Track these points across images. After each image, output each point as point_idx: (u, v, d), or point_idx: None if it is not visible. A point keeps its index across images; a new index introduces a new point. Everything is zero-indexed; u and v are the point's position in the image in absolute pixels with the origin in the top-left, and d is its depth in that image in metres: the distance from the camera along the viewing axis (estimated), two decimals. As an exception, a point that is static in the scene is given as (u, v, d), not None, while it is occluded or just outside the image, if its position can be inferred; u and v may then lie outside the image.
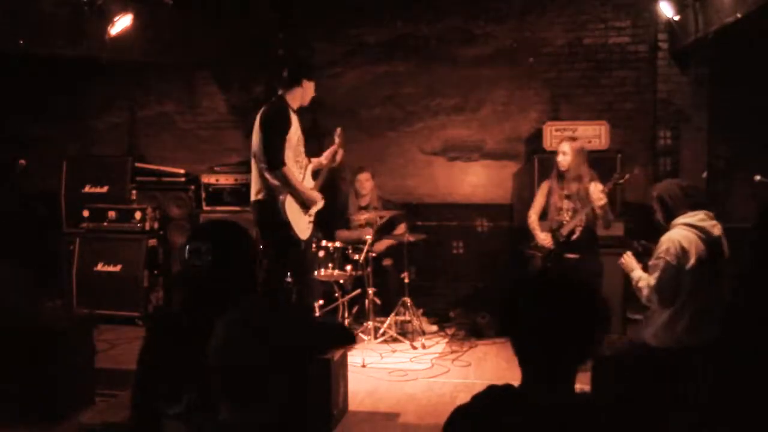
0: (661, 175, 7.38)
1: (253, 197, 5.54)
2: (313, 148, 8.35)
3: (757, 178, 5.91)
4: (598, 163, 6.23)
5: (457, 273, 7.95)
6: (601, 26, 7.57)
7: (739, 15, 5.20)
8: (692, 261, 3.99)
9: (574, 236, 5.83)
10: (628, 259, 4.41)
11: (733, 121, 7.09)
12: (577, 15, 7.60)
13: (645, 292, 4.15)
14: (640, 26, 7.48)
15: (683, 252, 4.00)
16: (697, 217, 4.08)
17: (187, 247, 2.29)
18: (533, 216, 6.14)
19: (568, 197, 5.87)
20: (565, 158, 5.82)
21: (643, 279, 4.20)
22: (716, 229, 4.09)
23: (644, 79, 7.50)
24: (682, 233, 4.05)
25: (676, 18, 6.69)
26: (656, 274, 4.07)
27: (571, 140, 6.00)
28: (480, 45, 7.85)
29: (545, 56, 7.71)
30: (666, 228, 4.21)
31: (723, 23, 5.56)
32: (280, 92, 5.55)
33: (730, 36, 6.02)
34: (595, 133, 7.02)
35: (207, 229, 2.39)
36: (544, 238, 5.98)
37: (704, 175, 6.96)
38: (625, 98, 7.57)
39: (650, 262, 4.18)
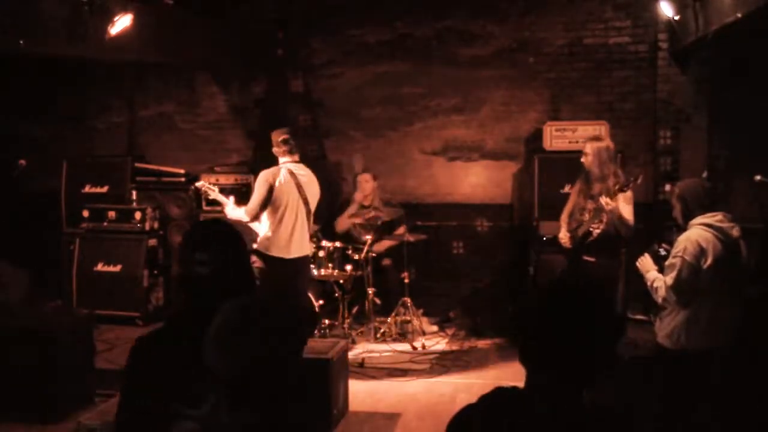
0: (661, 175, 7.38)
1: (308, 251, 5.67)
2: (313, 149, 8.39)
3: (757, 178, 5.90)
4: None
5: (457, 273, 7.95)
6: (601, 26, 7.57)
7: (739, 15, 5.20)
8: (709, 261, 3.95)
9: (591, 238, 5.60)
10: (645, 261, 4.35)
11: (733, 121, 7.08)
12: (577, 15, 7.60)
13: (661, 291, 4.10)
14: (640, 26, 7.48)
15: (701, 251, 3.96)
16: (716, 218, 4.03)
17: (192, 255, 2.29)
18: (564, 214, 5.91)
19: (592, 198, 5.64)
20: (586, 159, 5.66)
21: (659, 279, 4.16)
22: (735, 231, 4.05)
23: (644, 79, 7.50)
24: (701, 233, 4.01)
25: (676, 18, 6.69)
26: (673, 273, 4.02)
27: (592, 140, 5.79)
28: (480, 45, 7.85)
29: (545, 56, 7.71)
30: (683, 227, 4.17)
31: (723, 23, 5.55)
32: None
33: (730, 36, 6.02)
34: (595, 133, 7.01)
35: (208, 235, 2.38)
36: (562, 237, 5.78)
37: (704, 175, 6.95)
38: (625, 98, 7.57)
39: (667, 262, 4.13)
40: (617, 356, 4.28)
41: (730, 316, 4.05)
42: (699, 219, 4.05)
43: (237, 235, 2.37)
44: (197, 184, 5.94)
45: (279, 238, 5.39)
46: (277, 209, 5.36)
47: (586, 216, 5.68)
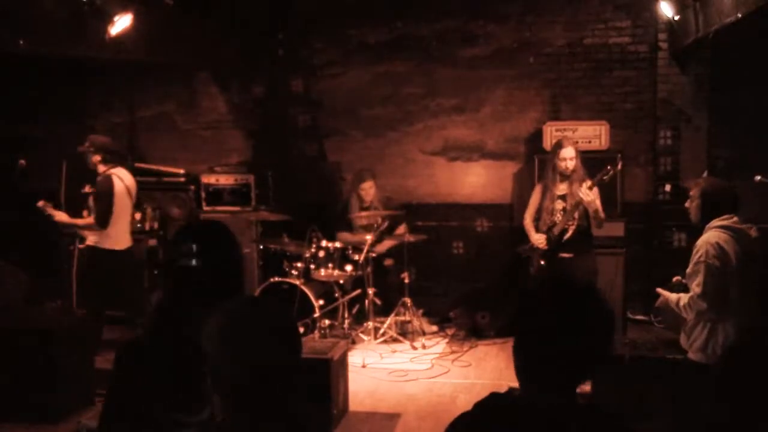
0: (661, 175, 7.38)
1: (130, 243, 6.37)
2: (313, 149, 8.40)
3: (758, 178, 5.90)
4: (598, 163, 6.21)
5: (457, 273, 7.95)
6: (601, 26, 7.57)
7: (739, 15, 5.20)
8: (733, 263, 3.80)
9: (567, 236, 5.81)
10: (665, 294, 4.15)
11: (733, 121, 7.09)
12: (577, 15, 7.60)
13: (691, 305, 3.87)
14: (640, 26, 7.48)
15: (723, 253, 3.80)
16: (731, 219, 3.91)
17: (176, 246, 2.28)
18: (528, 218, 6.15)
19: (561, 197, 5.87)
20: (573, 162, 5.80)
21: (684, 296, 3.95)
22: (753, 231, 3.95)
23: (644, 79, 7.50)
24: (719, 235, 3.86)
25: (676, 18, 6.69)
26: (699, 279, 3.82)
27: (571, 143, 5.95)
28: (480, 45, 7.85)
29: (545, 56, 7.71)
30: (695, 224, 4.03)
31: (723, 23, 5.55)
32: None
33: (730, 36, 6.02)
34: (595, 133, 7.02)
35: (195, 230, 2.38)
36: (537, 239, 5.98)
37: (704, 175, 6.96)
38: (625, 98, 7.57)
39: (688, 270, 3.94)
40: (614, 355, 4.21)
41: (758, 320, 3.85)
42: (715, 222, 3.90)
43: (231, 236, 2.37)
44: (39, 204, 6.22)
45: (114, 233, 6.08)
46: (115, 210, 6.07)
47: (558, 216, 5.82)
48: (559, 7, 7.63)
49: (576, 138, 6.84)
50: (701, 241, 3.91)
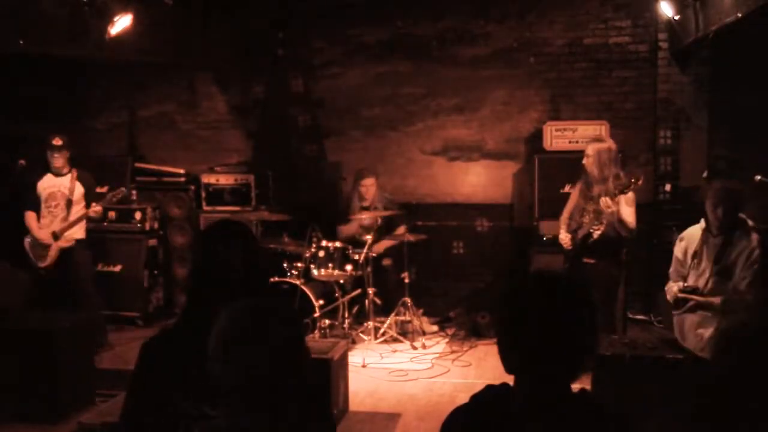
0: (661, 175, 7.38)
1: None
2: (313, 149, 8.40)
3: (757, 178, 5.89)
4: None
5: (457, 273, 7.95)
6: (601, 26, 7.57)
7: (739, 15, 5.20)
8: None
9: (591, 240, 5.53)
10: (696, 299, 4.21)
11: (733, 121, 7.09)
12: (577, 15, 7.60)
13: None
14: (640, 26, 7.48)
15: None
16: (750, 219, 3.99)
17: (206, 246, 2.32)
18: (564, 215, 5.85)
19: (592, 199, 5.58)
20: (586, 160, 5.56)
21: (717, 300, 4.04)
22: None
23: (644, 79, 7.50)
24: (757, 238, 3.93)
25: (677, 18, 6.70)
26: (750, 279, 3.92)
27: (594, 142, 5.70)
28: (480, 45, 7.85)
29: (545, 56, 7.71)
30: (725, 228, 3.98)
31: (723, 23, 5.55)
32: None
33: (730, 36, 6.02)
34: (595, 133, 7.02)
35: (227, 231, 2.40)
36: (563, 238, 5.73)
37: (704, 175, 6.96)
38: (625, 98, 7.57)
39: (740, 271, 4.00)
40: (612, 354, 4.15)
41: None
42: (751, 223, 3.93)
43: (253, 235, 2.41)
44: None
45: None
46: None
47: (586, 218, 5.62)
48: (559, 7, 7.63)
49: (576, 138, 6.84)
50: (757, 242, 3.95)
